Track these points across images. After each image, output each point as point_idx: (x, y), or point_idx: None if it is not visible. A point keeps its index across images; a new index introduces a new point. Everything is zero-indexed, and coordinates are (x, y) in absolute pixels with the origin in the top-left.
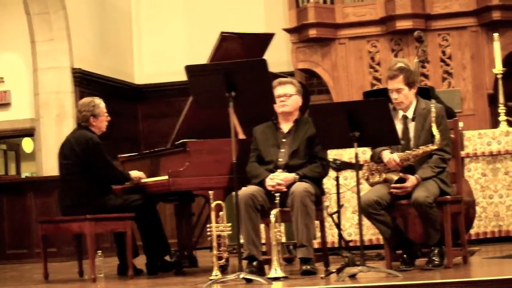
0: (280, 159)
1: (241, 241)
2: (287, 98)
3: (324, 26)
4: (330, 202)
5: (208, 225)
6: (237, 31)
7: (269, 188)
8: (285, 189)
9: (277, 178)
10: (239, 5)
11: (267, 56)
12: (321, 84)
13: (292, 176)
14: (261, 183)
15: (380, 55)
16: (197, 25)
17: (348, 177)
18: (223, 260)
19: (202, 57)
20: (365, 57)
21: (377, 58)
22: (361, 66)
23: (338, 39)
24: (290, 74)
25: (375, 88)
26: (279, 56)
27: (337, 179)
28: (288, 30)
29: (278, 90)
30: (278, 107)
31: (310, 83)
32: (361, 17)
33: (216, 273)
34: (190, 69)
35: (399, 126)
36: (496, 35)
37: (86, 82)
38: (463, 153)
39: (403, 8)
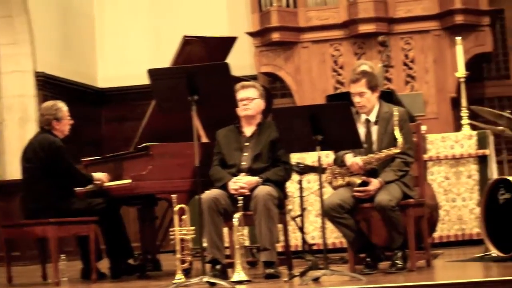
0: (243, 163)
1: (204, 244)
2: (249, 101)
3: (287, 29)
4: (293, 206)
5: (171, 229)
6: (200, 34)
7: (232, 191)
8: (248, 193)
9: (240, 182)
10: (203, 9)
11: (230, 59)
12: (284, 88)
13: (255, 179)
14: (224, 187)
15: (343, 59)
16: (161, 28)
17: (311, 181)
18: (186, 264)
19: (166, 60)
20: (328, 60)
21: (340, 61)
22: (324, 69)
23: (301, 42)
24: (253, 78)
25: (338, 91)
26: (242, 59)
27: (300, 182)
28: (251, 34)
29: (241, 94)
30: (241, 111)
31: (273, 86)
32: (324, 21)
33: (179, 277)
34: (153, 73)
35: (361, 130)
36: (458, 38)
37: (49, 86)
38: (426, 157)
39: (366, 12)
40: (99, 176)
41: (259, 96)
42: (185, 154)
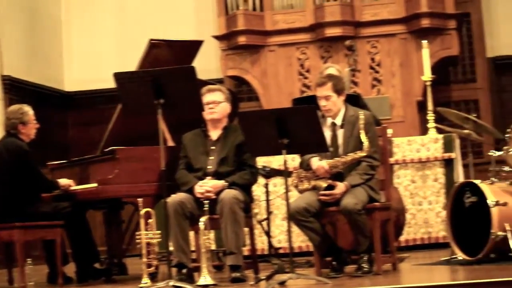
0: (209, 167)
1: (171, 248)
2: (215, 105)
3: (254, 33)
4: (259, 209)
5: (137, 233)
6: (167, 38)
7: (198, 195)
8: (214, 196)
9: (206, 185)
10: (169, 13)
11: (196, 63)
12: (250, 91)
13: (221, 183)
14: (190, 191)
15: (309, 62)
16: (127, 32)
17: (277, 184)
18: (152, 268)
19: (132, 64)
20: (295, 64)
21: (306, 65)
22: (291, 73)
23: (268, 46)
24: (220, 81)
25: (304, 95)
26: (208, 63)
27: (266, 186)
28: (218, 37)
29: (207, 97)
30: (207, 114)
31: (240, 90)
32: (291, 24)
33: (145, 281)
34: (118, 76)
35: (327, 133)
36: (425, 42)
37: (15, 89)
38: (392, 160)
39: (333, 16)
40: (65, 182)
41: (225, 100)
42: (151, 158)
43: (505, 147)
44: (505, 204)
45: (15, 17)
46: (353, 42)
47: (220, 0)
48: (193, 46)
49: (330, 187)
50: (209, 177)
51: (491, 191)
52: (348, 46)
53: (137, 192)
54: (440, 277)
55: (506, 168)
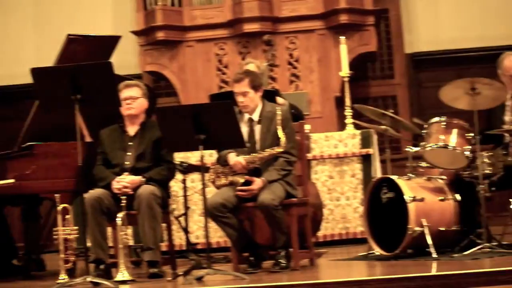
0: (126, 162)
1: (88, 244)
2: (133, 101)
3: (172, 28)
4: (177, 205)
5: (55, 229)
6: (85, 33)
7: (116, 191)
8: (131, 192)
9: (123, 181)
10: (88, 8)
11: (114, 58)
12: (169, 87)
13: (138, 179)
14: (108, 186)
15: (227, 58)
16: (46, 27)
17: (195, 180)
18: (70, 264)
19: (51, 59)
20: (213, 59)
21: (224, 60)
22: (209, 68)
23: (186, 41)
24: (138, 77)
25: (222, 90)
26: (127, 58)
27: (184, 181)
28: (136, 33)
29: (124, 93)
30: (124, 110)
31: (158, 85)
32: (209, 20)
33: (63, 277)
34: (36, 72)
35: (244, 129)
36: (343, 38)
37: None
38: (309, 156)
39: (251, 11)
40: None
41: (142, 95)
42: (69, 154)
43: (422, 143)
44: (422, 199)
45: None
46: (271, 37)
47: None
48: (111, 42)
49: (247, 183)
50: (126, 173)
51: (408, 186)
52: (266, 41)
53: (54, 187)
54: (358, 272)
55: (423, 164)
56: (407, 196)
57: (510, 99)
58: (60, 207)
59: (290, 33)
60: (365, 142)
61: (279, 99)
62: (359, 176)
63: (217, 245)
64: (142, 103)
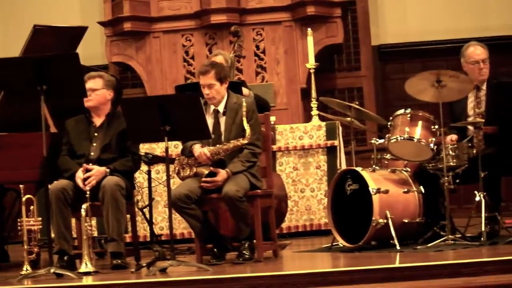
0: (91, 153)
1: (52, 235)
2: (91, 92)
3: (139, 19)
4: (142, 196)
5: (19, 220)
6: (52, 24)
7: (79, 183)
8: (95, 183)
9: (81, 178)
10: None
11: (81, 49)
12: (135, 78)
13: (103, 169)
14: (72, 177)
15: (194, 49)
16: (12, 17)
17: (160, 171)
18: (33, 255)
19: (16, 50)
20: (179, 51)
21: (191, 52)
22: (175, 60)
23: (153, 32)
24: (104, 68)
25: (188, 82)
26: (93, 49)
27: (149, 173)
28: (103, 23)
29: (87, 84)
30: (85, 101)
31: (124, 76)
32: (176, 11)
33: (27, 268)
34: (0, 62)
35: (210, 121)
36: (309, 30)
37: None
38: (275, 147)
39: (218, 3)
40: None
41: (104, 86)
42: (33, 144)
43: (387, 135)
44: (386, 191)
45: None
46: (238, 28)
47: None
48: (77, 32)
49: (212, 174)
50: (90, 164)
51: (372, 178)
52: (233, 32)
53: (19, 178)
54: (321, 264)
55: (388, 156)
56: (371, 188)
57: (473, 90)
58: (24, 198)
59: (256, 24)
60: (330, 134)
61: (245, 90)
62: (324, 168)
63: (181, 236)
64: (102, 95)
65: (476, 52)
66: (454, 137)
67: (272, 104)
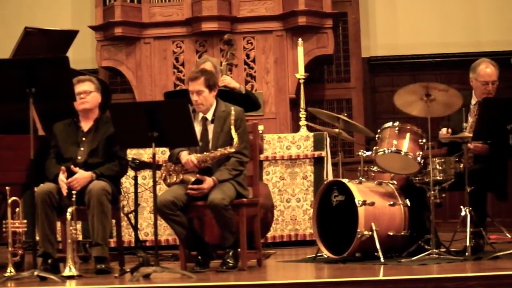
0: (79, 157)
1: (37, 238)
2: (86, 95)
3: (130, 25)
4: (127, 202)
5: (4, 221)
6: (43, 27)
7: (63, 188)
8: (78, 188)
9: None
10: (47, 1)
11: (72, 53)
12: (124, 83)
13: (87, 174)
14: (57, 180)
15: (184, 56)
16: (4, 19)
17: (147, 177)
18: (18, 257)
19: (7, 51)
20: (170, 57)
21: (181, 58)
22: (165, 66)
23: (143, 38)
24: (94, 72)
25: (178, 88)
26: (84, 53)
27: (135, 178)
28: (94, 28)
29: (77, 88)
30: (78, 105)
31: (114, 81)
32: (168, 17)
33: (10, 270)
34: None
35: (198, 128)
36: (300, 40)
37: None
38: (262, 157)
39: (210, 10)
40: None
41: (95, 90)
42: (21, 147)
43: (374, 148)
44: (372, 204)
45: None
46: (232, 37)
47: None
48: (68, 36)
49: (198, 181)
50: (77, 168)
51: (359, 190)
52: (226, 40)
53: (5, 180)
54: (305, 274)
55: (375, 168)
56: (357, 200)
57: (474, 105)
58: (10, 200)
59: (247, 33)
60: (318, 144)
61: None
62: (311, 178)
63: (165, 242)
64: (96, 97)
65: (488, 72)
66: (449, 130)
67: (260, 113)
